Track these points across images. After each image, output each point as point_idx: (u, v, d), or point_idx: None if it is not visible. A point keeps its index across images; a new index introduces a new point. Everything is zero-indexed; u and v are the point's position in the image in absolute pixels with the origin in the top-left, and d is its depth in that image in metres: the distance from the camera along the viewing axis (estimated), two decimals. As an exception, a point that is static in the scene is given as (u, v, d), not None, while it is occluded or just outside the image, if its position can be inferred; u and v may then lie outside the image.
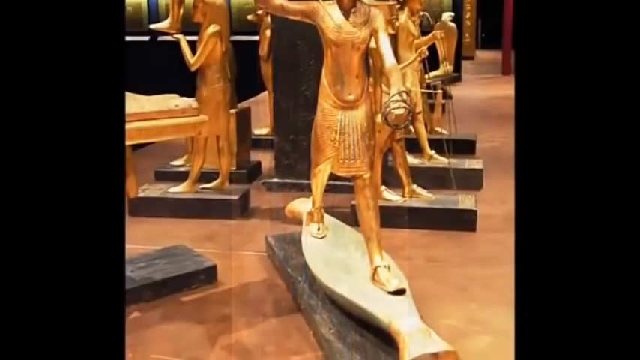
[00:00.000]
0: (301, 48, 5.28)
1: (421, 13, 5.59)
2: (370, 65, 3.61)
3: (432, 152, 5.72)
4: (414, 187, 4.84)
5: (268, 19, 6.31)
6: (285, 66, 5.41)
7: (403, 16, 5.27)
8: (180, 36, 4.97)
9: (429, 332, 2.70)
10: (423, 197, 4.81)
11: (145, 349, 3.09)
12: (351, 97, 3.16)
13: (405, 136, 4.81)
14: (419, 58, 5.14)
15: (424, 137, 5.72)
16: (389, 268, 3.13)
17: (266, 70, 6.87)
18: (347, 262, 3.39)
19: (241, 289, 3.73)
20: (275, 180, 5.58)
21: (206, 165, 5.09)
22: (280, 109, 5.52)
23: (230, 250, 4.31)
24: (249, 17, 7.47)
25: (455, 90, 10.46)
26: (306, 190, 5.12)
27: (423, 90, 5.81)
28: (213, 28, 4.89)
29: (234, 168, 5.58)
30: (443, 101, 7.19)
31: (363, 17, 3.12)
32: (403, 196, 4.80)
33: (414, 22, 5.42)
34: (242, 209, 4.99)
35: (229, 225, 4.80)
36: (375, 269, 3.12)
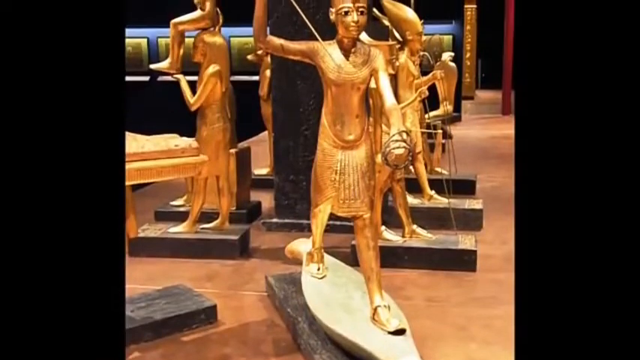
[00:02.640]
0: (301, 88, 5.35)
1: (421, 53, 5.65)
2: (370, 105, 3.66)
3: (432, 192, 5.76)
4: (414, 227, 4.87)
5: (268, 59, 6.38)
6: (284, 106, 5.47)
7: (403, 56, 5.34)
8: (180, 76, 5.03)
9: (429, 372, 2.73)
10: (423, 237, 4.83)
11: (145, 389, 3.11)
12: (351, 137, 3.20)
13: (404, 176, 4.85)
14: (419, 98, 5.20)
15: (424, 177, 5.75)
16: (389, 308, 3.15)
17: (266, 110, 6.94)
18: (347, 302, 3.41)
19: (241, 329, 3.74)
20: (275, 220, 5.60)
21: (206, 205, 5.12)
22: (280, 149, 5.57)
23: (230, 290, 4.32)
24: (249, 57, 7.55)
25: (455, 130, 10.54)
26: (306, 230, 5.17)
27: (423, 130, 5.85)
28: (213, 68, 4.96)
29: (234, 208, 5.61)
30: (443, 141, 7.23)
31: (363, 57, 3.18)
32: (403, 236, 4.82)
33: (414, 62, 5.49)
34: (242, 249, 5.00)
35: (229, 265, 4.82)
36: (375, 309, 3.14)
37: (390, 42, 5.00)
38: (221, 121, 5.08)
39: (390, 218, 5.01)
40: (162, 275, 4.51)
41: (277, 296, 3.92)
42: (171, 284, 4.10)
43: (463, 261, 4.59)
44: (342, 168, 3.23)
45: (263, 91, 7.05)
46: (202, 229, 5.14)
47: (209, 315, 3.76)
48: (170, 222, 5.34)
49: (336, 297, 3.49)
